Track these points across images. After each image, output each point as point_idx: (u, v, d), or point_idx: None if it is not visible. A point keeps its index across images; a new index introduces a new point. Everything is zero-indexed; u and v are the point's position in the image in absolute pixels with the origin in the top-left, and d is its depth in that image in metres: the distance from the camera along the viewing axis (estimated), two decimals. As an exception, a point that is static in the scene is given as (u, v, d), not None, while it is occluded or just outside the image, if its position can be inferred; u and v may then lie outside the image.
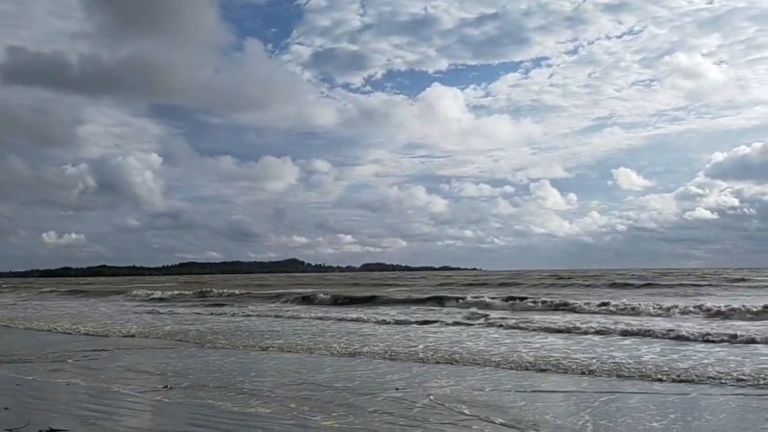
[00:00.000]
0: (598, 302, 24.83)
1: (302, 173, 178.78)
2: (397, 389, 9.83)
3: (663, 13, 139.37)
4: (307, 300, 34.85)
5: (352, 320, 22.51)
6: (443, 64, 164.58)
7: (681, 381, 10.18)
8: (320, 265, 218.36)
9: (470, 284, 51.21)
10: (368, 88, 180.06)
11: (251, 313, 27.43)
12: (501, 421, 7.80)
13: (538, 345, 14.81)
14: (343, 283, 62.72)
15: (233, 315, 26.94)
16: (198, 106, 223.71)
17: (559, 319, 20.16)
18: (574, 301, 25.80)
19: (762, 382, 9.85)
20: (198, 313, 28.56)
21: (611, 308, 23.37)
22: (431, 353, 13.73)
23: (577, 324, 17.93)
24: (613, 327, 17.15)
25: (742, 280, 44.60)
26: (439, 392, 9.59)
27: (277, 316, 25.46)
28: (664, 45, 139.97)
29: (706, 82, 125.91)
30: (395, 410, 8.42)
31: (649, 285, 41.28)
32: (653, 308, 22.54)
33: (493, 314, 22.68)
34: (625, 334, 16.18)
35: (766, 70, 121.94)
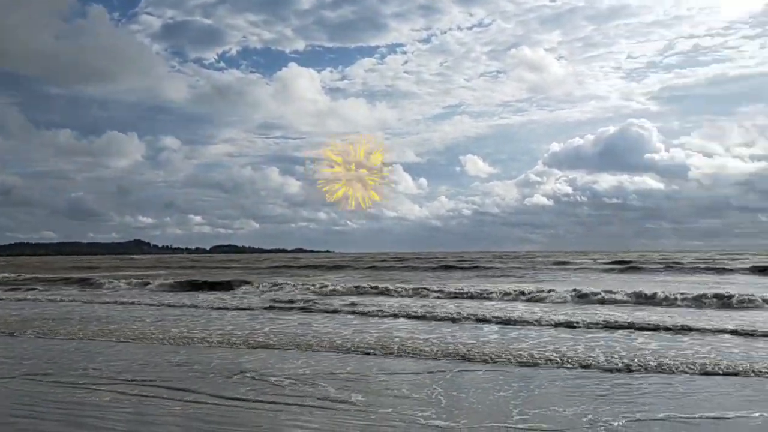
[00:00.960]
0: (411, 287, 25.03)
1: (149, 150, 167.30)
2: (244, 372, 9.44)
3: (510, 7, 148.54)
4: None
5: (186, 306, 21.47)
6: (300, 45, 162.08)
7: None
8: (167, 246, 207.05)
9: (305, 266, 51.44)
10: (222, 64, 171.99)
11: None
12: (358, 398, 7.75)
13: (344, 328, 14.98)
14: (187, 266, 60.21)
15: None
16: (35, 75, 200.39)
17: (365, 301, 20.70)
18: (389, 286, 25.46)
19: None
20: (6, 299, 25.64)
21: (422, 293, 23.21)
22: (276, 338, 13.41)
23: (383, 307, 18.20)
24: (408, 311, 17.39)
25: (565, 263, 49.27)
26: (290, 374, 9.33)
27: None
28: (510, 38, 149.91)
29: (548, 76, 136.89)
30: (245, 393, 8.07)
31: (476, 268, 44.41)
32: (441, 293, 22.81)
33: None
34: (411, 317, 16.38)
35: (601, 67, 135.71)
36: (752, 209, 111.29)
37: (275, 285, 27.92)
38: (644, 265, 42.63)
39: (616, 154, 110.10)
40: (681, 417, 6.78)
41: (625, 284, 25.63)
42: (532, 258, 63.90)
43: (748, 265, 38.83)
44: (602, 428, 6.39)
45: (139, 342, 12.77)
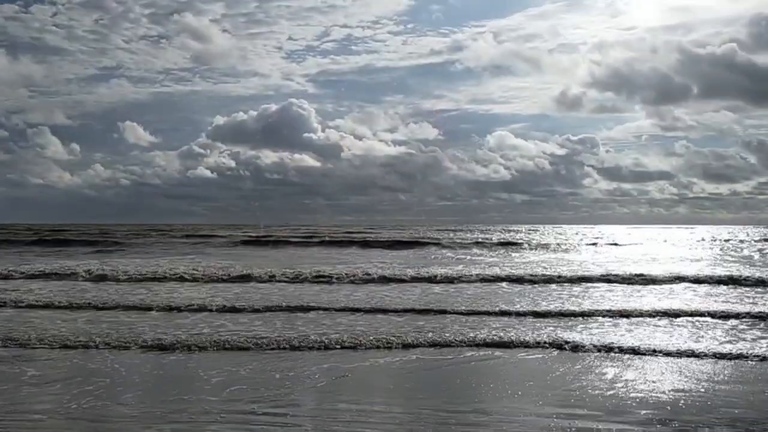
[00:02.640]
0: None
1: None
2: None
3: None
4: None
5: None
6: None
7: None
8: None
9: None
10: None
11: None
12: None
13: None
14: None
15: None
16: None
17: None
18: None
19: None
20: None
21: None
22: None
23: None
24: None
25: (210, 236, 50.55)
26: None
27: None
28: (173, 3, 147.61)
29: (212, 47, 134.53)
30: None
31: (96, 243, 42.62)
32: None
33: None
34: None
35: (264, 45, 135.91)
36: (393, 189, 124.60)
37: None
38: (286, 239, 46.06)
39: (278, 131, 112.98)
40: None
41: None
42: (183, 231, 63.63)
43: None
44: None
45: None
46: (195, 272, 20.38)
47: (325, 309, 13.45)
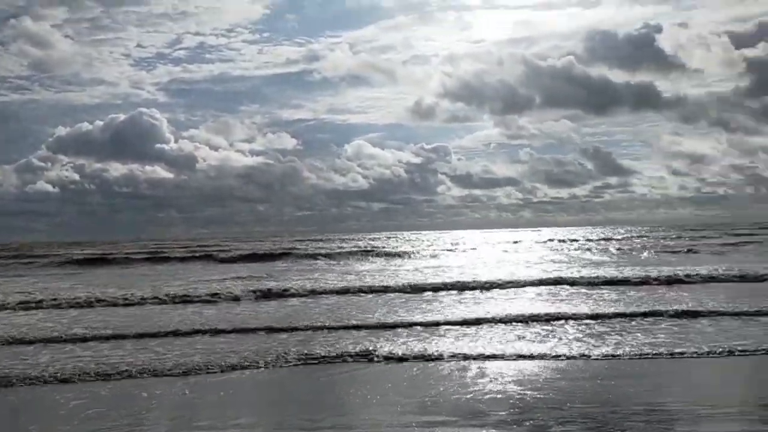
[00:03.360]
0: None
1: None
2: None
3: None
4: None
5: None
6: None
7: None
8: None
9: None
10: None
11: None
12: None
13: None
14: None
15: None
16: None
17: None
18: None
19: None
20: None
21: None
22: None
23: None
24: None
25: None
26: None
27: None
28: (10, 8, 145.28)
29: (54, 53, 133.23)
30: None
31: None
32: None
33: None
34: None
35: (110, 52, 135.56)
36: (251, 200, 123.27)
37: None
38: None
39: (127, 142, 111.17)
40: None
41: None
42: (13, 250, 58.68)
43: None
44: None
45: None
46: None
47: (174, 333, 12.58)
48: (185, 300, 17.38)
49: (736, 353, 9.50)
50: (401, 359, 9.67)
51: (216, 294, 18.00)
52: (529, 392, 7.61)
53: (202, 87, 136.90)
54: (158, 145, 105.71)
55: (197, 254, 44.07)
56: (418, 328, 12.36)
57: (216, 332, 12.30)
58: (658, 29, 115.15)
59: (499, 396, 7.51)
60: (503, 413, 6.81)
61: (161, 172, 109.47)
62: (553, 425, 6.37)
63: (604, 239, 58.77)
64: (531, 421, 6.50)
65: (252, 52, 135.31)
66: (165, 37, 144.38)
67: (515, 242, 56.56)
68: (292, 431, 6.53)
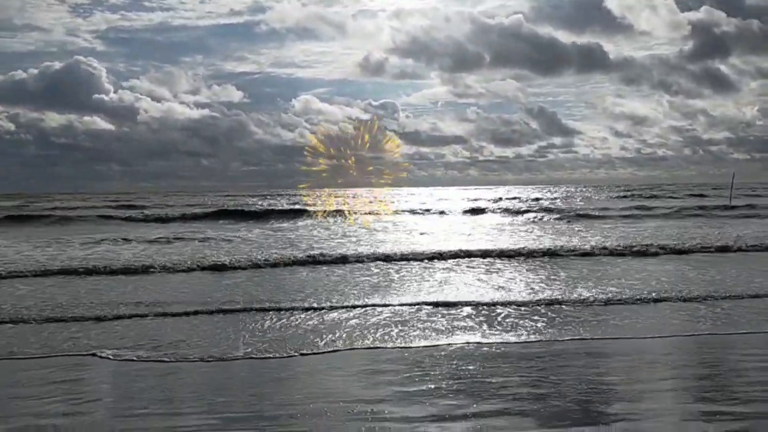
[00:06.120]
0: None
1: None
2: None
3: None
4: None
5: None
6: None
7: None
8: None
9: None
10: None
11: None
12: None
13: None
14: None
15: None
16: None
17: None
18: None
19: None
20: None
21: None
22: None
23: None
24: None
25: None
26: None
27: None
28: None
29: None
30: None
31: None
32: None
33: None
34: None
35: None
36: (196, 153, 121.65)
37: None
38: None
39: (64, 92, 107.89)
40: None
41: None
42: None
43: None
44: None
45: None
46: None
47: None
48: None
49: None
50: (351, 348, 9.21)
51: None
52: (466, 377, 7.24)
53: (142, 36, 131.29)
54: (97, 96, 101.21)
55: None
56: (354, 309, 11.91)
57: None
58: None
59: (434, 383, 7.10)
60: (441, 400, 6.41)
61: (101, 123, 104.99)
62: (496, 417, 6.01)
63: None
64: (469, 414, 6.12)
65: (194, 2, 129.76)
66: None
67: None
68: (242, 425, 5.97)
